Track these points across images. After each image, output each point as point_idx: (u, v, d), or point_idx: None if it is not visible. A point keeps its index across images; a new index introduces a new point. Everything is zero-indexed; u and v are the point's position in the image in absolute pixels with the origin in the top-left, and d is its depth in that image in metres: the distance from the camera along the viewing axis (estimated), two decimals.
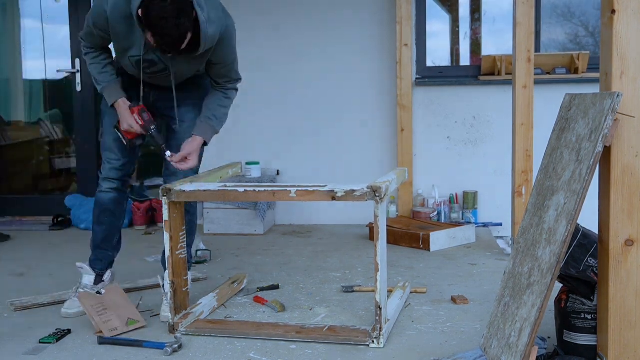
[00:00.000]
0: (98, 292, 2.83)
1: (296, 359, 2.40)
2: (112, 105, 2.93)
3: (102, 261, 3.09)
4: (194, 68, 2.92)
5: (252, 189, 2.58)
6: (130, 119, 2.90)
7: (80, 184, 5.43)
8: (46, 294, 3.20)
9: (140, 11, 2.52)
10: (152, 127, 2.92)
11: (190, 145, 2.89)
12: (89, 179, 5.28)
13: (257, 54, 5.03)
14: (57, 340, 2.62)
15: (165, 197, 2.63)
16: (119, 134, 2.98)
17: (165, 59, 2.78)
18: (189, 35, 2.55)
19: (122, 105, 2.91)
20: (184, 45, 2.56)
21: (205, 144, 2.94)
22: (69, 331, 2.71)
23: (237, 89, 3.05)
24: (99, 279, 3.07)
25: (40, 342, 2.60)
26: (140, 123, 2.90)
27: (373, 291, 3.02)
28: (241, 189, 2.59)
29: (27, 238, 4.70)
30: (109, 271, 3.11)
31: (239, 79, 3.04)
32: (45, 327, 2.79)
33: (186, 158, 2.89)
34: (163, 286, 2.86)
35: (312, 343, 2.54)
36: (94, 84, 5.11)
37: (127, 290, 3.23)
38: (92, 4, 3.28)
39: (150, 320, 2.84)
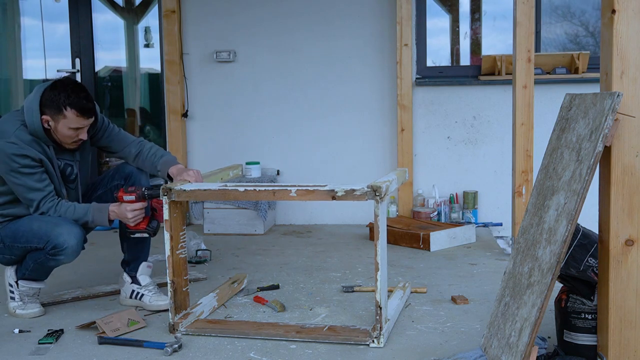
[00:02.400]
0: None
1: (296, 359, 2.40)
2: (110, 220, 2.90)
3: None
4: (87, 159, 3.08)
5: (252, 188, 2.58)
6: (128, 210, 2.83)
7: None
8: (47, 294, 3.20)
9: (46, 117, 2.79)
10: (145, 192, 2.88)
11: (181, 174, 2.90)
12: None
13: (257, 53, 5.03)
14: (56, 340, 2.62)
15: (166, 197, 2.63)
16: (138, 233, 2.91)
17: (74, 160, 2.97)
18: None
19: (113, 210, 2.86)
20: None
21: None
22: (62, 331, 2.72)
23: (145, 141, 3.13)
24: None
25: (39, 343, 2.60)
26: (134, 199, 2.85)
27: (373, 291, 3.02)
28: (241, 189, 2.59)
29: None
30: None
31: (135, 141, 3.11)
32: (45, 327, 2.79)
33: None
34: (136, 281, 3.03)
35: (312, 343, 2.54)
36: (93, 87, 5.11)
37: None
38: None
39: (151, 321, 2.84)
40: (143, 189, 2.89)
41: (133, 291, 3.03)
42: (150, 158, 3.03)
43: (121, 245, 3.09)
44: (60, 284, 3.42)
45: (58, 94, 2.78)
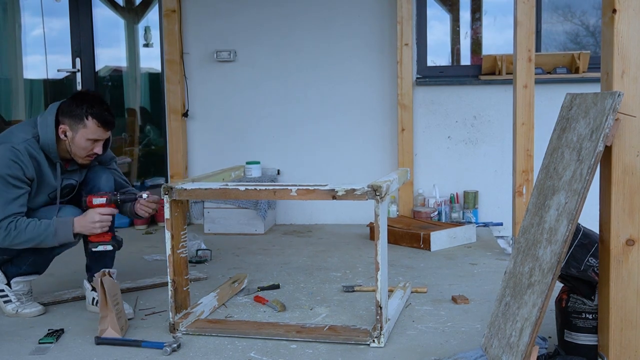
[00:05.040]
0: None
1: (297, 359, 2.40)
2: (76, 233, 2.79)
3: None
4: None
5: (253, 187, 2.58)
6: (96, 213, 2.76)
7: None
8: (47, 294, 3.20)
9: (64, 126, 2.79)
10: (117, 196, 2.82)
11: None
12: None
13: (258, 54, 5.03)
14: (57, 339, 2.62)
15: (167, 196, 2.62)
16: (101, 246, 2.80)
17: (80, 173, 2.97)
18: None
19: (78, 221, 2.77)
20: None
21: None
22: (62, 331, 2.72)
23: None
24: None
25: (40, 343, 2.59)
26: (104, 202, 2.78)
27: (374, 291, 3.02)
28: (242, 188, 2.59)
29: None
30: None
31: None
32: (45, 327, 2.79)
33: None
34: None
35: (312, 342, 2.53)
36: (95, 87, 5.11)
37: (127, 290, 3.25)
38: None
39: (151, 320, 2.84)
40: (116, 194, 2.83)
41: (94, 298, 2.98)
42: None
43: (84, 248, 3.02)
44: (60, 284, 3.42)
45: (81, 103, 2.78)
